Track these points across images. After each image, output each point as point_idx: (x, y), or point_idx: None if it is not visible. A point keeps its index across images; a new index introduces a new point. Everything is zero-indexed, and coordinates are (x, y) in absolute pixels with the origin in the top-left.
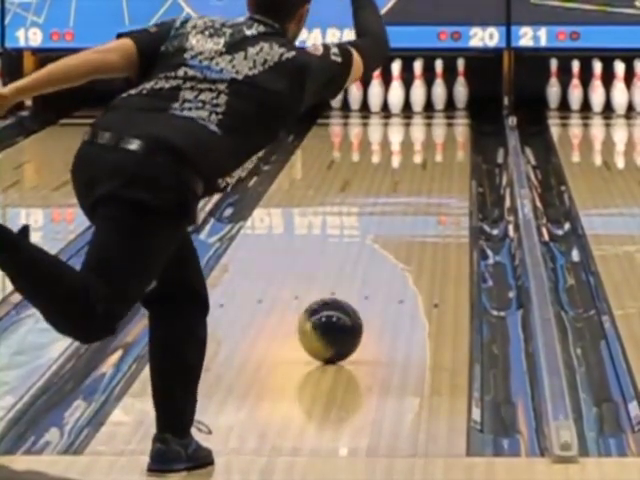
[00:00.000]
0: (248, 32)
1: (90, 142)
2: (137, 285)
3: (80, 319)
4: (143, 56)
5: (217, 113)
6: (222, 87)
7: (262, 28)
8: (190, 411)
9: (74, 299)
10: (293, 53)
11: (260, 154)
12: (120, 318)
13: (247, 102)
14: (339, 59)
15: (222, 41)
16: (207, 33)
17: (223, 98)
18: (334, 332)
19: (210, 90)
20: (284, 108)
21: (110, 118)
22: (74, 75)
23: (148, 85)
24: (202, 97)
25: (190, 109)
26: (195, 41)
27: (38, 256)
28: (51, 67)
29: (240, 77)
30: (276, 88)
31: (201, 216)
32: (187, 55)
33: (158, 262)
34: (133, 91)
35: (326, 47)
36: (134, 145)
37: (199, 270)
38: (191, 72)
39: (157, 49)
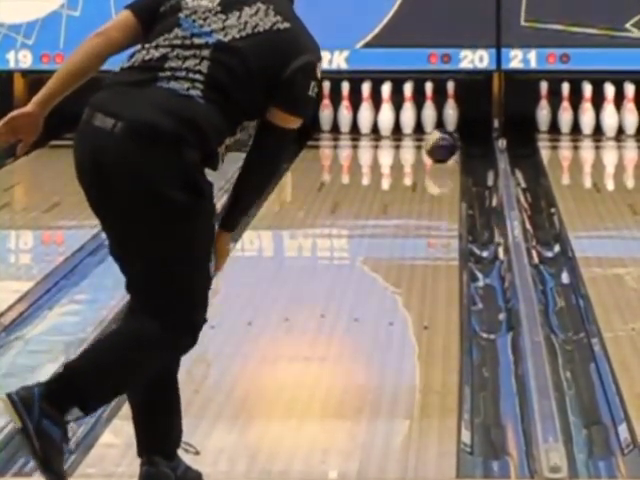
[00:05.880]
0: None
1: (87, 122)
2: (196, 282)
3: (172, 348)
4: (144, 23)
5: (199, 81)
6: (206, 53)
7: None
8: (177, 433)
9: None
10: (287, 25)
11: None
12: (197, 321)
13: (226, 71)
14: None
15: None
16: None
17: (205, 64)
18: None
19: (194, 56)
20: (259, 85)
21: (105, 97)
22: (87, 68)
23: (140, 56)
24: (186, 64)
25: (177, 79)
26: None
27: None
28: (63, 69)
29: (226, 40)
30: (255, 61)
31: None
32: (182, 15)
33: (204, 248)
34: (126, 64)
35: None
36: (131, 133)
37: None
38: (180, 36)
39: (156, 12)
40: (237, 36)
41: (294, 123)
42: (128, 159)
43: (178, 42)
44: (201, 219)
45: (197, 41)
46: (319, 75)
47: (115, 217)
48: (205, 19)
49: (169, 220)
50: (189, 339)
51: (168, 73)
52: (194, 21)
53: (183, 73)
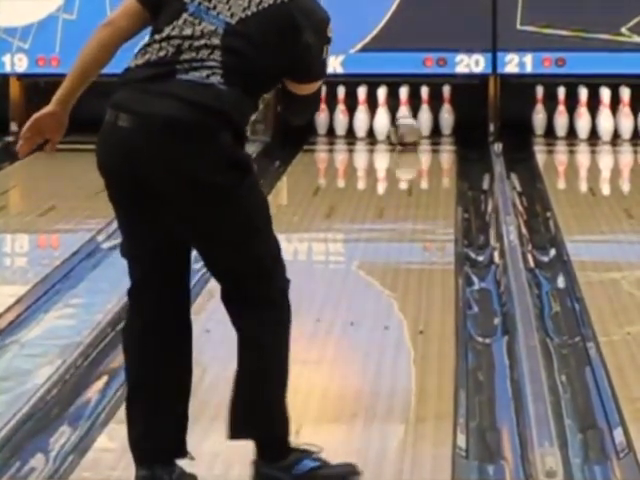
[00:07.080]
0: None
1: (112, 123)
2: (267, 250)
3: (280, 326)
4: (150, 8)
5: (216, 67)
6: (216, 41)
7: None
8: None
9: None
10: None
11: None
12: (283, 285)
13: (238, 56)
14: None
15: None
16: None
17: (217, 53)
18: None
19: (206, 46)
20: (273, 62)
21: (126, 97)
22: (100, 59)
23: (154, 51)
24: (200, 55)
25: (195, 69)
26: None
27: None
28: (77, 64)
29: (234, 21)
30: (265, 42)
31: None
32: None
33: (263, 216)
34: (141, 60)
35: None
36: (161, 130)
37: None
38: (189, 22)
39: None
40: (243, 16)
41: (314, 87)
42: (165, 156)
43: (189, 32)
44: (251, 190)
45: (207, 28)
46: (331, 34)
47: (164, 218)
48: (210, 0)
49: (223, 204)
50: (285, 305)
51: (185, 65)
52: (200, 4)
53: (199, 63)
